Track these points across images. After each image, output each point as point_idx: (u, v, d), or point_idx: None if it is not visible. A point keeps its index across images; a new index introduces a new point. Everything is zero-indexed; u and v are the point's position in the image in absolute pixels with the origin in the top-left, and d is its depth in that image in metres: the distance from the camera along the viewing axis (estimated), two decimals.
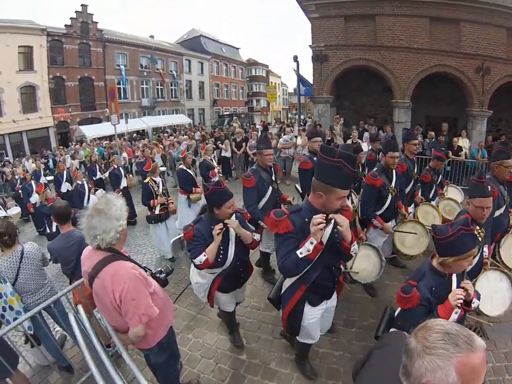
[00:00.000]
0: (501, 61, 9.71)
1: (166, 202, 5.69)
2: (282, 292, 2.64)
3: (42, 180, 10.42)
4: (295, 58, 13.22)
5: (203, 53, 35.62)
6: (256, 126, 15.17)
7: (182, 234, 4.54)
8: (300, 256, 2.05)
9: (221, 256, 2.80)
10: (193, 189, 6.22)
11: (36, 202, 8.11)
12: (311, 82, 12.33)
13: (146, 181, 5.64)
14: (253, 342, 3.58)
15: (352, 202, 4.92)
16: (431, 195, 5.02)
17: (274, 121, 29.58)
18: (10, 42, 19.81)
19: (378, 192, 3.89)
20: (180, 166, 6.41)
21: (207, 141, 12.00)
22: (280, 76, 53.09)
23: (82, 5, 24.12)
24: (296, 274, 2.27)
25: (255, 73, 44.52)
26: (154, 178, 5.68)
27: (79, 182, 7.19)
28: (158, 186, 5.68)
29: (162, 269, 2.47)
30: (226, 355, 3.43)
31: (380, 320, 2.51)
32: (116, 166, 8.24)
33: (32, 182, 8.80)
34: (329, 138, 9.93)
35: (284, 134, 11.13)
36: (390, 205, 3.98)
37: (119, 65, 26.52)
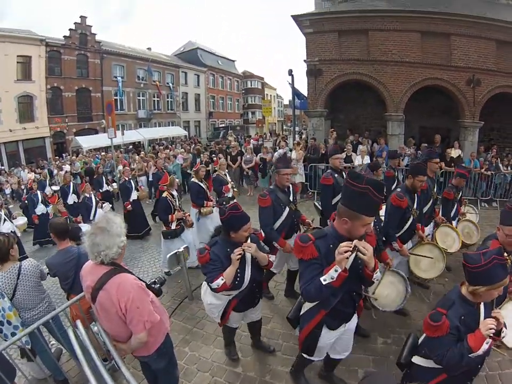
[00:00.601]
0: (491, 72, 9.93)
1: (183, 217, 5.56)
2: (301, 313, 2.62)
3: (48, 190, 10.23)
4: (290, 72, 13.41)
5: (199, 65, 35.99)
6: (251, 141, 15.23)
7: (181, 249, 4.61)
8: (324, 283, 2.02)
9: (238, 279, 2.78)
10: (205, 202, 6.11)
11: (42, 213, 8.00)
12: (306, 96, 12.50)
13: (164, 195, 5.47)
14: (248, 355, 3.61)
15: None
16: (452, 213, 4.90)
17: (269, 133, 29.70)
18: (9, 52, 19.96)
19: (403, 214, 3.81)
20: (192, 179, 6.31)
21: (202, 154, 12.07)
22: (276, 88, 53.65)
23: (81, 17, 24.46)
24: (318, 300, 2.27)
25: (251, 85, 44.92)
26: (171, 192, 5.57)
27: (87, 195, 7.09)
28: (175, 200, 5.56)
29: (156, 280, 2.63)
30: (222, 368, 3.45)
31: (402, 346, 2.48)
32: (126, 178, 8.14)
33: (38, 192, 8.63)
34: (323, 151, 10.03)
35: (279, 148, 11.24)
36: (410, 227, 3.93)
37: (116, 77, 26.73)
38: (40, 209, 8.12)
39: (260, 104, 38.90)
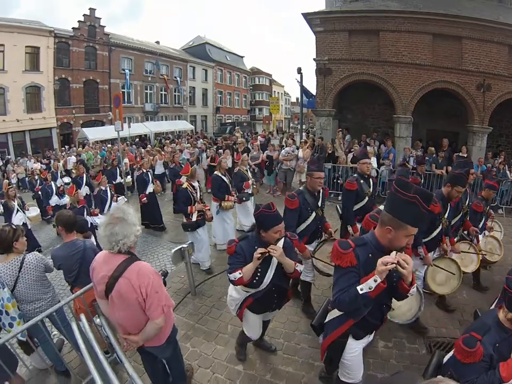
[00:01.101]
0: (502, 78, 9.83)
1: (203, 209, 5.40)
2: (326, 320, 2.52)
3: (59, 181, 10.13)
4: (299, 70, 13.37)
5: (207, 60, 35.91)
6: (258, 138, 15.17)
7: (185, 245, 4.61)
8: (360, 292, 1.94)
9: (256, 278, 2.76)
10: (226, 196, 6.01)
11: (56, 205, 7.99)
12: (314, 94, 12.45)
13: (184, 186, 5.32)
14: (250, 353, 3.60)
15: None
16: (479, 226, 4.73)
17: (276, 130, 29.57)
18: (17, 42, 19.99)
19: (434, 220, 3.70)
20: (215, 172, 6.21)
21: (208, 150, 12.06)
22: (284, 85, 53.54)
23: (90, 9, 24.48)
24: (350, 310, 2.15)
25: (259, 82, 44.79)
26: (192, 183, 5.42)
27: (103, 188, 7.00)
28: (196, 192, 5.40)
29: (160, 272, 2.64)
30: (223, 365, 3.45)
31: (427, 363, 2.38)
32: (144, 170, 8.01)
33: (52, 183, 8.61)
34: (330, 151, 10.01)
35: (286, 146, 11.21)
36: (437, 236, 3.81)
37: (124, 70, 26.75)
38: (54, 200, 8.14)
39: (267, 101, 38.87)
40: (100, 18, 25.20)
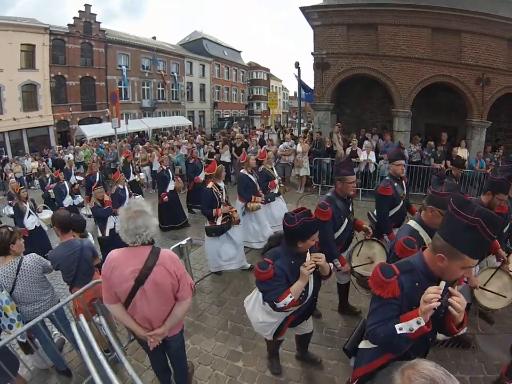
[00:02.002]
0: (501, 72, 9.76)
1: (229, 212, 5.00)
2: (361, 347, 2.18)
3: (73, 179, 10.12)
4: (297, 65, 13.30)
5: (205, 56, 35.73)
6: (256, 132, 15.14)
7: (184, 242, 4.58)
8: (399, 332, 1.64)
9: (302, 293, 2.49)
10: (253, 197, 5.62)
11: (69, 205, 7.78)
12: (312, 88, 12.39)
13: (209, 186, 4.92)
14: (250, 349, 3.61)
15: None
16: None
17: (275, 124, 29.47)
18: (12, 40, 19.80)
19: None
20: (241, 170, 5.83)
21: (206, 145, 12.03)
22: (281, 79, 53.41)
23: (85, 5, 24.22)
24: (385, 347, 1.85)
25: (256, 76, 44.60)
26: (218, 184, 5.02)
27: (121, 186, 6.54)
28: (222, 193, 4.99)
29: None
30: (223, 362, 3.46)
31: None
32: (164, 167, 7.65)
33: (65, 183, 8.28)
34: (328, 146, 9.99)
35: (284, 141, 11.19)
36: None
37: (120, 66, 26.56)
38: (68, 201, 7.83)
39: (265, 96, 38.78)
40: (96, 15, 24.96)
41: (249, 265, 5.39)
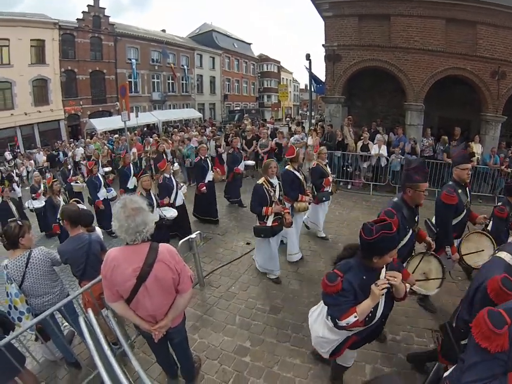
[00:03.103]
0: None
1: (281, 212, 4.50)
2: None
3: (100, 171, 9.52)
4: (308, 57, 13.12)
5: (215, 48, 35.60)
6: (266, 125, 15.01)
7: (194, 236, 4.54)
8: None
9: (369, 314, 2.21)
10: (300, 196, 5.10)
11: (104, 198, 7.40)
12: (323, 81, 12.23)
13: (260, 182, 4.45)
14: (257, 344, 3.61)
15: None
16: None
17: (286, 117, 29.13)
18: (22, 36, 19.98)
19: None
20: (287, 167, 5.25)
21: (217, 137, 11.92)
22: (292, 72, 53.07)
23: None
24: None
25: (267, 69, 44.39)
26: (270, 180, 4.49)
27: (167, 175, 6.15)
28: (275, 190, 4.47)
29: None
30: (231, 357, 3.46)
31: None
32: (203, 157, 7.21)
33: (99, 174, 7.82)
34: (340, 139, 9.87)
35: (295, 133, 11.09)
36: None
37: (130, 59, 26.60)
38: (102, 193, 7.38)
39: (276, 88, 38.58)
40: (104, 9, 24.98)
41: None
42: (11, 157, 17.64)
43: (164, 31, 34.38)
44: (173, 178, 6.31)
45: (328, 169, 6.06)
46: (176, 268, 2.30)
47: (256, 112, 33.64)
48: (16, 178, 12.54)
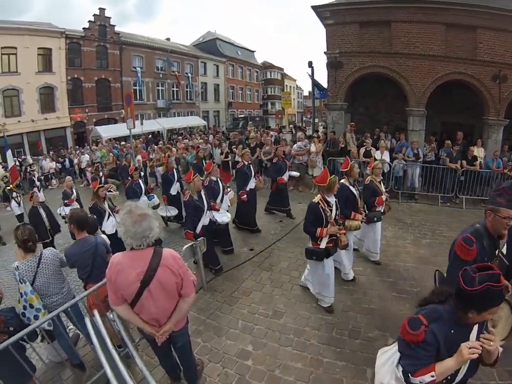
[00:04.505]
0: None
1: (338, 233, 4.02)
2: None
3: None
4: (310, 64, 13.28)
5: (218, 56, 35.95)
6: (270, 132, 15.09)
7: (198, 241, 4.57)
8: None
9: (448, 377, 1.87)
10: (353, 213, 4.70)
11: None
12: (326, 88, 12.32)
13: (315, 200, 3.99)
14: (259, 348, 3.65)
15: None
16: None
17: (290, 125, 29.22)
18: (29, 45, 20.42)
19: None
20: (342, 181, 4.85)
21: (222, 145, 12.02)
22: (296, 79, 53.32)
23: (100, 9, 24.84)
24: None
25: (270, 76, 44.63)
26: (327, 198, 4.04)
27: (214, 178, 6.00)
28: (331, 209, 4.02)
29: None
30: (233, 360, 3.50)
31: None
32: (246, 163, 6.80)
33: (140, 181, 7.45)
34: (342, 145, 9.94)
35: (298, 140, 11.18)
36: None
37: (135, 67, 26.96)
38: (144, 202, 6.88)
39: (280, 95, 38.69)
40: (110, 18, 25.48)
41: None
42: (32, 161, 17.43)
43: (168, 39, 34.83)
44: (219, 182, 6.08)
45: (382, 187, 5.48)
46: (180, 272, 2.35)
47: (260, 119, 33.79)
48: (38, 183, 12.35)
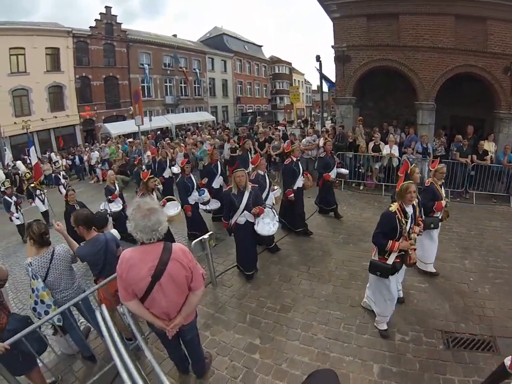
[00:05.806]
0: None
1: (408, 249, 3.51)
2: None
3: (167, 172, 9.38)
4: (318, 58, 13.18)
5: (226, 51, 35.95)
6: (278, 127, 15.06)
7: (206, 236, 4.60)
8: None
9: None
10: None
11: (196, 202, 6.58)
12: (334, 82, 12.21)
13: (392, 209, 3.48)
14: (267, 342, 3.68)
15: None
16: None
17: (298, 120, 29.05)
18: (37, 45, 20.73)
19: None
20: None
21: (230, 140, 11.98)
22: (304, 73, 53.02)
23: (106, 7, 25.02)
24: None
25: (279, 70, 44.51)
26: (404, 207, 3.54)
27: (261, 173, 5.65)
28: (407, 221, 3.53)
29: None
30: (241, 354, 3.54)
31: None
32: (294, 159, 6.28)
33: (192, 175, 6.85)
34: (351, 140, 9.87)
35: (307, 135, 11.14)
36: None
37: (142, 64, 27.12)
38: (194, 197, 6.57)
39: (288, 90, 38.59)
40: (116, 16, 25.68)
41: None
42: (57, 159, 17.69)
43: (175, 36, 34.85)
44: (267, 177, 5.67)
45: (443, 192, 4.90)
46: (189, 265, 2.40)
47: (269, 114, 33.73)
48: (63, 181, 12.13)
